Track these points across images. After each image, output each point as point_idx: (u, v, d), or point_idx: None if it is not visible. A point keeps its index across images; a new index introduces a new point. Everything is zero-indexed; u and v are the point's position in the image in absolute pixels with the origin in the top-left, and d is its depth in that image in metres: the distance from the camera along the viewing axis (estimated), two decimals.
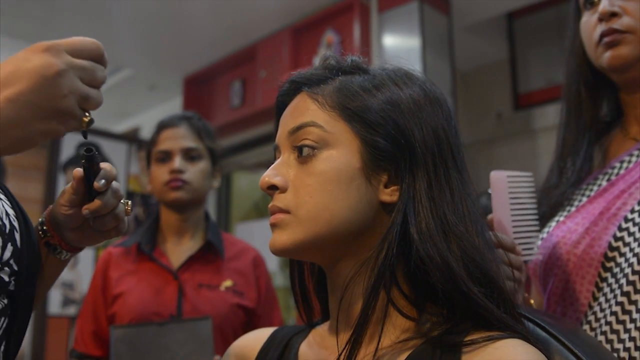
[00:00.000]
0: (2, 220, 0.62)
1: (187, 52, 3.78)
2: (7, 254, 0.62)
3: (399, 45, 2.95)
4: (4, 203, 0.65)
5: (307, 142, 0.64)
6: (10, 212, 0.65)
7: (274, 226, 0.65)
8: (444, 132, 0.65)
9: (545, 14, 3.33)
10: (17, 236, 0.64)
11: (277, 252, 0.64)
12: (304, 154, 0.64)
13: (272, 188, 0.66)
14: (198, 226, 1.60)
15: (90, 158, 0.68)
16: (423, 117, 0.64)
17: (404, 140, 0.63)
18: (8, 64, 0.59)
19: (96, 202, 0.69)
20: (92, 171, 0.69)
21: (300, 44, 3.33)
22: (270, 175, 0.65)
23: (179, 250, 1.56)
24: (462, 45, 3.20)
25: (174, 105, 4.34)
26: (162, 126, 1.57)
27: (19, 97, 0.57)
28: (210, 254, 1.55)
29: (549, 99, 3.22)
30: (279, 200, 0.65)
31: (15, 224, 0.65)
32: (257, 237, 3.16)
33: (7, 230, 0.62)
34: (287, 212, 0.64)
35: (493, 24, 3.46)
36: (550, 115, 3.18)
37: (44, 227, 0.75)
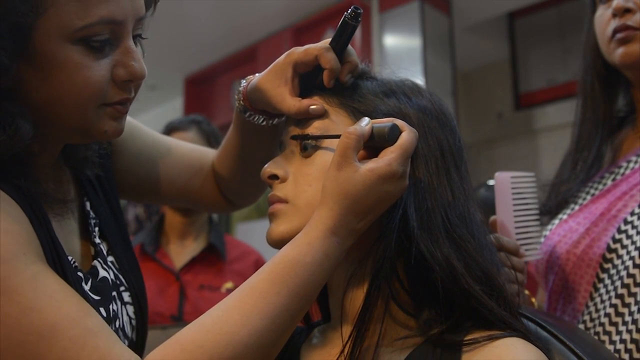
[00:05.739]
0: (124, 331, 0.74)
1: (188, 52, 3.78)
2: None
3: (399, 45, 2.95)
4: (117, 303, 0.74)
5: (310, 130, 0.64)
6: (131, 311, 0.77)
7: (271, 216, 0.65)
8: (448, 144, 0.66)
9: (545, 14, 3.32)
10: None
11: (273, 242, 0.64)
12: (307, 148, 0.64)
13: (273, 178, 0.66)
14: (202, 229, 1.61)
15: (357, 16, 0.64)
16: (429, 127, 0.65)
17: None
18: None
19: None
20: (348, 31, 0.65)
21: (301, 44, 3.25)
22: (271, 165, 0.66)
23: (182, 251, 1.58)
24: (463, 45, 3.20)
25: (174, 106, 4.34)
26: (172, 128, 1.58)
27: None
28: (212, 256, 1.57)
29: (549, 99, 3.21)
30: (278, 190, 0.65)
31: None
32: (257, 238, 3.14)
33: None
34: (285, 201, 0.64)
35: (494, 24, 3.46)
36: (550, 116, 3.18)
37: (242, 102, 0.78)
